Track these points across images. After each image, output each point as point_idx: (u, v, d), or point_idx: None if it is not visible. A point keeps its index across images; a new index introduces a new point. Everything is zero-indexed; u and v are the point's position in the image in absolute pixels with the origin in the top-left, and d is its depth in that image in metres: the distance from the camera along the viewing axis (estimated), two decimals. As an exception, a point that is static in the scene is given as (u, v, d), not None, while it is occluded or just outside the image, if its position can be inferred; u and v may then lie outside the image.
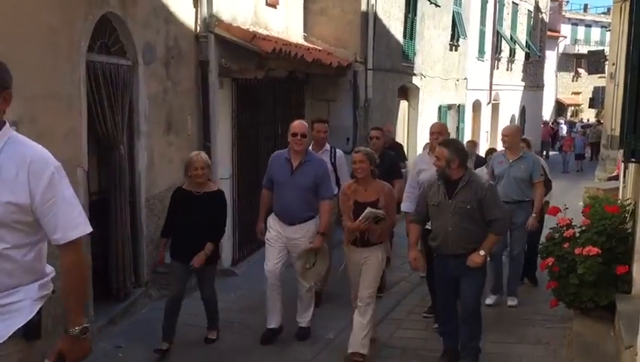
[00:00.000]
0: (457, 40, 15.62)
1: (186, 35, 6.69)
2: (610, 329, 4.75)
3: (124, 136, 5.56)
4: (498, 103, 20.18)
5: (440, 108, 14.78)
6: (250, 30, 7.74)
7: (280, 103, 9.17)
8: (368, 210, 4.62)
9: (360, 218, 4.65)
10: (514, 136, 6.24)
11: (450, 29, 15.19)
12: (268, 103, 8.79)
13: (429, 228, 4.83)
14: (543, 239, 5.76)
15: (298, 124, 5.31)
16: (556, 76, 39.16)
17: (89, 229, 2.34)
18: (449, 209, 4.49)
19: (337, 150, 6.38)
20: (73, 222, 2.27)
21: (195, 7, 6.83)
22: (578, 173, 21.49)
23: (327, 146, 6.33)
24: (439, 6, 13.63)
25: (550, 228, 5.45)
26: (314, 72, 9.52)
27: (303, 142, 5.21)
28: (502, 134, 6.40)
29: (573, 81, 45.30)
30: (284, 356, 5.16)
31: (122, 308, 5.50)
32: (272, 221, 5.32)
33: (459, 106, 16.40)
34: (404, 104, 13.33)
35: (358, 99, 10.64)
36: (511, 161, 6.08)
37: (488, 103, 19.14)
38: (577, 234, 5.17)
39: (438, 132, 5.69)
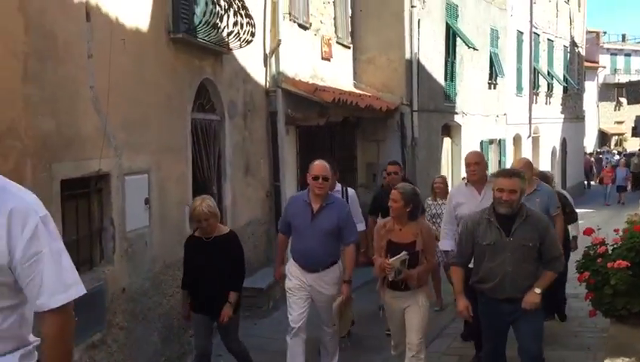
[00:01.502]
0: (495, 78, 16.49)
1: (259, 91, 7.80)
2: (642, 332, 5.44)
3: (215, 178, 6.63)
4: (538, 136, 20.80)
5: (482, 143, 15.58)
6: (311, 83, 8.84)
7: (336, 145, 10.22)
8: (392, 267, 4.28)
9: (390, 278, 4.35)
10: (525, 170, 5.62)
11: (488, 68, 16.09)
12: (325, 145, 9.84)
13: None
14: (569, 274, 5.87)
15: (319, 166, 4.83)
16: (597, 106, 39.40)
17: (82, 291, 1.92)
18: (508, 247, 4.08)
19: (349, 189, 6.25)
20: (62, 283, 1.86)
21: (265, 66, 7.95)
22: (619, 204, 21.73)
23: (338, 186, 5.98)
24: (477, 49, 14.57)
25: (585, 247, 6.20)
26: (365, 115, 10.56)
27: (324, 185, 4.78)
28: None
29: (615, 110, 45.32)
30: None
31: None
32: (293, 268, 4.93)
33: (500, 141, 17.17)
34: (447, 141, 14.22)
35: (405, 139, 11.61)
36: (526, 195, 5.44)
37: (528, 137, 19.80)
38: (610, 251, 5.91)
39: (476, 162, 5.22)
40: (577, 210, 7.62)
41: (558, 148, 23.10)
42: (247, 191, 7.48)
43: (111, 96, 4.33)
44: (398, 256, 4.29)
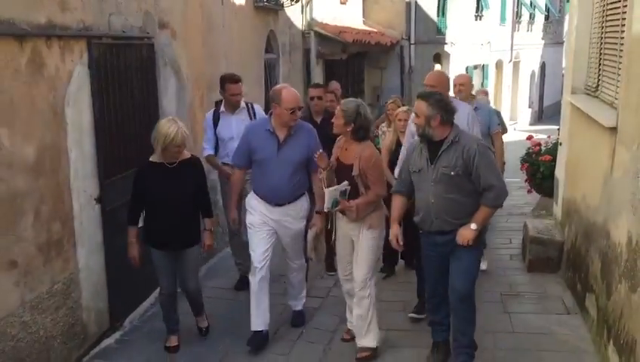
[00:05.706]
0: (481, 11, 19.00)
1: (298, 34, 10.48)
2: (557, 200, 8.50)
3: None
4: (519, 61, 23.45)
5: (467, 68, 18.32)
6: (333, 25, 11.49)
7: (349, 71, 12.99)
8: (328, 197, 4.00)
9: (325, 208, 4.08)
10: (468, 86, 5.83)
11: (475, 2, 18.59)
12: (342, 72, 12.60)
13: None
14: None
15: (292, 97, 4.27)
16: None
17: None
18: (431, 176, 3.75)
19: (255, 105, 5.63)
20: None
21: (302, 14, 10.60)
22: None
23: (243, 104, 5.47)
24: (465, -12, 17.07)
25: (526, 148, 9.15)
26: (373, 49, 13.26)
27: (298, 116, 4.34)
28: (456, 83, 5.70)
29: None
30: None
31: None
32: (254, 202, 4.47)
33: (483, 66, 19.89)
34: (438, 67, 16.94)
35: (403, 67, 14.40)
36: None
37: (509, 62, 22.47)
38: (542, 150, 8.89)
39: (432, 85, 4.41)
40: (554, 126, 9.68)
41: (537, 71, 25.78)
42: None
43: (232, 49, 7.12)
44: (338, 186, 4.04)
